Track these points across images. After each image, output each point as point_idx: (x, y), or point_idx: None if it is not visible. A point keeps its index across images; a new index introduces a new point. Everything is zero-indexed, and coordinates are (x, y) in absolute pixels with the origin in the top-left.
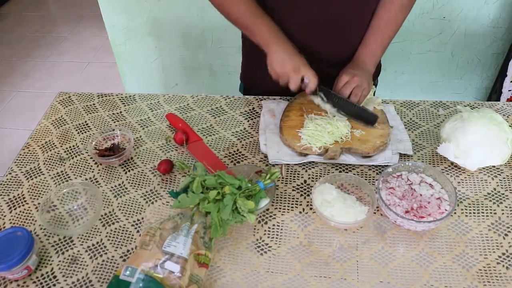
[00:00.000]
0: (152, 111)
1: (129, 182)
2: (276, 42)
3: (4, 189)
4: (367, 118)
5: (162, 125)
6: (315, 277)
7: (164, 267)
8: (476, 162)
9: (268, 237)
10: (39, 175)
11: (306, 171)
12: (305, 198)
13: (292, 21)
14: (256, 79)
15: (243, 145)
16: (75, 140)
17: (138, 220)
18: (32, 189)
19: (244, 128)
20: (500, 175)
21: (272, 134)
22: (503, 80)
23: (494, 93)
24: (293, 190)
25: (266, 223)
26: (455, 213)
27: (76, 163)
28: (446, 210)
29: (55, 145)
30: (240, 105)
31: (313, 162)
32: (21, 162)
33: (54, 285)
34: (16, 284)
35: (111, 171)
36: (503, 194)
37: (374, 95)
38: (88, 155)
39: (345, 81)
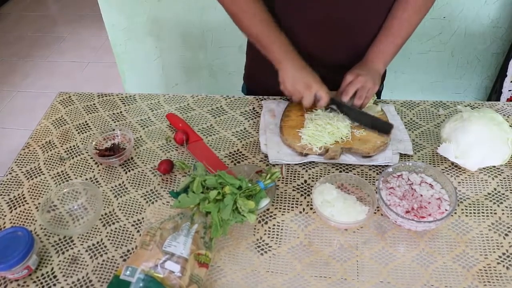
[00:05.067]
0: (152, 111)
1: (129, 182)
2: (287, 59)
3: (5, 189)
4: (381, 128)
5: (162, 125)
6: (315, 277)
7: (165, 267)
8: (476, 162)
9: (268, 237)
10: (39, 175)
11: (306, 171)
12: (305, 198)
13: (299, 26)
14: (260, 81)
15: (243, 145)
16: (75, 140)
17: (138, 220)
18: (32, 189)
19: (244, 128)
20: (500, 175)
21: (272, 134)
22: (503, 80)
23: (494, 93)
24: (293, 190)
25: (266, 223)
26: (455, 213)
27: (76, 163)
28: (446, 210)
29: (55, 145)
30: (240, 105)
31: (314, 162)
32: (21, 162)
33: (55, 285)
34: (17, 283)
35: (111, 171)
36: (503, 194)
37: (374, 102)
38: (88, 155)
39: (349, 81)
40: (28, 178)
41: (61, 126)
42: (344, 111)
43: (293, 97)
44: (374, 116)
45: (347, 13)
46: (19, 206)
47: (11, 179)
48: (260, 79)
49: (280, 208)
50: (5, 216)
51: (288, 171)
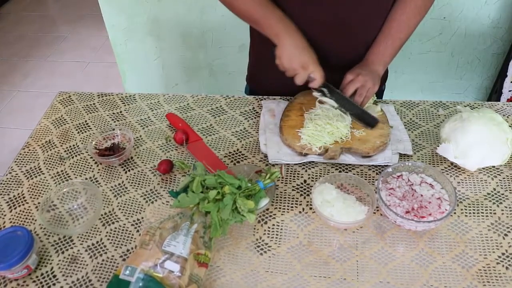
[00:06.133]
0: (152, 111)
1: (129, 182)
2: (286, 34)
3: (4, 189)
4: (367, 120)
5: (162, 124)
6: (314, 277)
7: (164, 267)
8: (476, 162)
9: (268, 237)
10: (39, 175)
11: (306, 171)
12: (305, 198)
13: (301, 26)
14: (263, 82)
15: (243, 145)
16: (75, 140)
17: (138, 219)
18: (32, 189)
19: (244, 128)
20: (500, 175)
21: (272, 134)
22: (503, 80)
23: (494, 93)
24: (293, 190)
25: (266, 223)
26: (455, 213)
27: (76, 162)
28: (446, 209)
29: (55, 145)
30: (240, 105)
31: (313, 162)
32: (21, 161)
33: (54, 284)
34: (16, 283)
35: (111, 170)
36: (502, 194)
37: (374, 102)
38: (88, 155)
39: (350, 79)
40: (28, 178)
41: (61, 126)
42: (333, 96)
43: (286, 73)
44: (363, 109)
45: (349, 13)
46: (19, 206)
47: (11, 178)
48: (263, 80)
49: (280, 208)
50: (5, 215)
51: (287, 171)
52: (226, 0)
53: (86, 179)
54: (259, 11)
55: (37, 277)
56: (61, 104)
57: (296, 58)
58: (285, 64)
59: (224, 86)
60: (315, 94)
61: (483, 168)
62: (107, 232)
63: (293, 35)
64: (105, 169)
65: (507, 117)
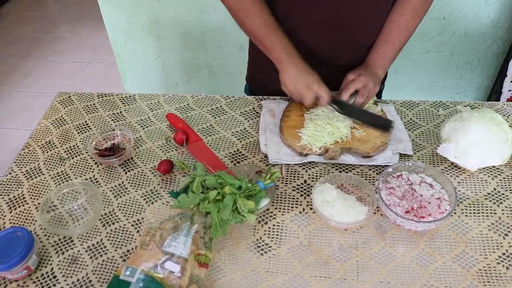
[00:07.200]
0: (152, 111)
1: (129, 182)
2: (288, 60)
3: (4, 189)
4: (382, 125)
5: (162, 125)
6: (315, 277)
7: (164, 267)
8: (476, 162)
9: (268, 237)
10: (39, 175)
11: (306, 171)
12: (305, 198)
13: (303, 26)
14: (262, 82)
15: (243, 145)
16: (75, 140)
17: (138, 220)
18: (32, 189)
19: (244, 128)
20: (500, 175)
21: (272, 134)
22: (503, 80)
23: (494, 93)
24: (293, 190)
25: (266, 223)
26: (455, 213)
27: (76, 163)
28: (446, 210)
29: (55, 145)
30: (240, 105)
31: (313, 162)
32: (21, 162)
33: (54, 285)
34: (16, 284)
35: (111, 171)
36: (503, 194)
37: (375, 103)
38: (88, 155)
39: (351, 79)
40: (28, 178)
41: (61, 126)
42: (345, 110)
43: (294, 97)
44: (375, 114)
45: (350, 13)
46: (19, 206)
47: (11, 179)
48: (263, 80)
49: (280, 208)
50: (5, 216)
51: (288, 171)
52: (237, 16)
53: (86, 179)
54: (266, 34)
55: (37, 277)
56: (61, 104)
57: (299, 80)
58: (290, 87)
59: (224, 86)
60: (326, 113)
61: (484, 168)
62: (107, 233)
63: (295, 62)
64: (105, 169)
65: (507, 117)
